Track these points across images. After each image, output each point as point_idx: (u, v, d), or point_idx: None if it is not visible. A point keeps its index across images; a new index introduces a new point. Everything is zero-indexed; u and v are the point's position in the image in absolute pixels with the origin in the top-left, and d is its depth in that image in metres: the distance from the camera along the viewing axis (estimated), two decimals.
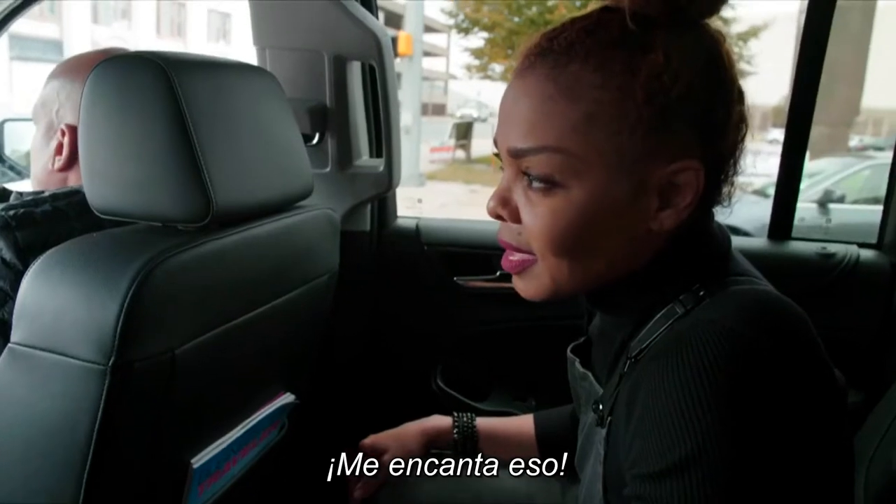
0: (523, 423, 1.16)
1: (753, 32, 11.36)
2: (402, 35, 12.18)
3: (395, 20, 19.20)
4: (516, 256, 0.70)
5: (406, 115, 12.02)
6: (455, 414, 1.16)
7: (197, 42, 25.37)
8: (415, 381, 1.62)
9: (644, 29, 0.62)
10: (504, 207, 0.69)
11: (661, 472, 0.55)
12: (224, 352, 1.04)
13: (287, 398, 1.29)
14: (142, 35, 23.31)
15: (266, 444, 1.28)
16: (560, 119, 0.63)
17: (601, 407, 0.72)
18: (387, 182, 1.49)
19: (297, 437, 1.37)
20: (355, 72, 1.51)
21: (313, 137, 1.49)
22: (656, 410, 0.57)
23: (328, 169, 1.50)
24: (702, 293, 0.64)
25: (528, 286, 0.71)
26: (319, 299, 1.32)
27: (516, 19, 15.78)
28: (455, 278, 1.61)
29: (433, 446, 1.15)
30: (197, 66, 0.99)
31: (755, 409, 0.54)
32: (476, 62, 17.36)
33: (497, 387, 1.63)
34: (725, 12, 0.67)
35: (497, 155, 0.70)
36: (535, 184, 0.65)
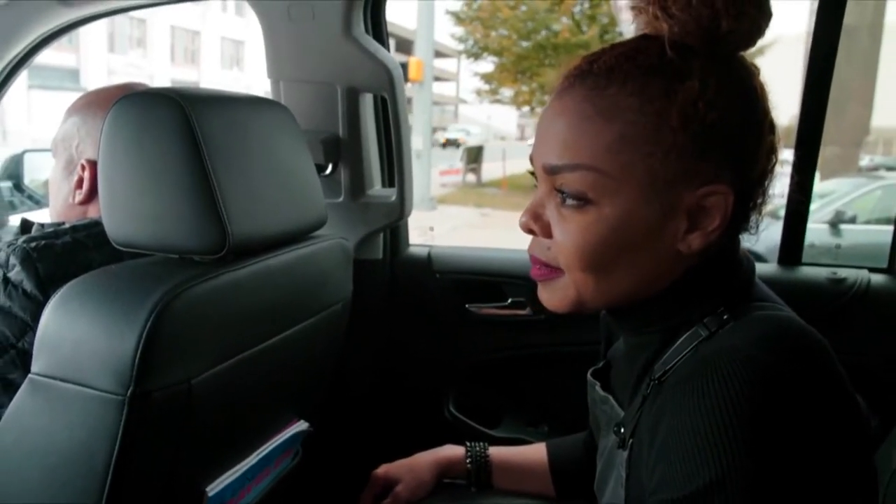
0: (536, 452, 1.16)
1: (759, 51, 11.41)
2: (412, 60, 12.28)
3: (405, 45, 19.40)
4: (544, 268, 0.71)
5: (416, 140, 12.10)
6: (468, 444, 1.16)
7: (211, 69, 25.68)
8: (428, 408, 1.63)
9: (682, 57, 0.64)
10: (536, 222, 0.70)
11: (683, 497, 0.56)
12: (239, 381, 1.05)
13: (301, 426, 1.30)
14: (156, 63, 23.62)
15: (280, 472, 1.29)
16: (596, 139, 0.64)
17: (622, 430, 0.73)
18: (399, 211, 1.51)
19: (311, 465, 1.37)
20: (367, 103, 1.53)
21: (326, 168, 1.51)
22: (680, 437, 0.58)
23: (341, 199, 1.53)
24: (726, 317, 0.65)
25: (552, 297, 0.72)
26: (333, 327, 1.33)
27: (525, 44, 15.90)
28: (467, 306, 1.62)
29: (446, 476, 1.15)
30: (213, 102, 1.02)
31: (778, 437, 0.55)
32: (485, 86, 17.48)
33: (510, 413, 1.63)
34: None
35: (532, 173, 0.72)
36: (569, 201, 0.66)
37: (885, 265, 1.52)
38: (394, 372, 1.67)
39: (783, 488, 0.54)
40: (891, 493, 0.98)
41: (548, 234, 0.70)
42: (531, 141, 0.73)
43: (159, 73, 22.95)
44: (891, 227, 1.54)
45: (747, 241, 0.74)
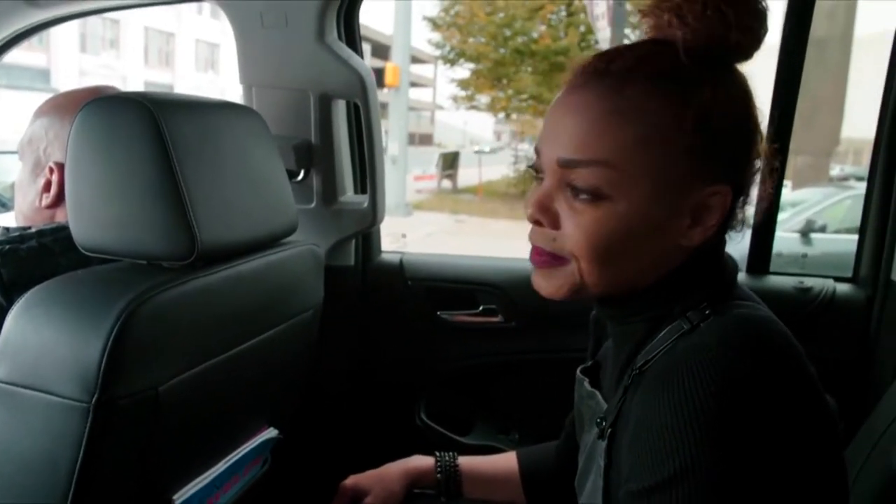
0: (507, 461, 1.16)
1: None
2: (388, 66, 12.29)
3: (382, 51, 19.39)
4: (546, 256, 0.73)
5: (393, 146, 12.10)
6: (437, 454, 1.15)
7: (185, 72, 25.46)
8: (399, 416, 1.63)
9: (695, 64, 0.67)
10: (544, 214, 0.71)
11: (649, 488, 0.59)
12: (208, 388, 1.05)
13: (270, 433, 1.29)
14: (130, 65, 23.37)
15: (249, 480, 1.27)
16: (615, 137, 0.67)
17: (604, 421, 0.75)
18: (371, 217, 1.51)
19: (281, 473, 1.36)
20: (340, 110, 1.53)
21: (298, 174, 1.51)
22: (648, 430, 0.61)
23: (313, 205, 1.52)
24: (707, 311, 0.68)
25: (550, 284, 0.74)
26: (304, 334, 1.33)
27: (502, 50, 15.97)
28: (439, 313, 1.63)
29: (416, 487, 1.14)
30: (183, 107, 1.01)
31: (742, 433, 0.58)
32: (462, 93, 17.51)
33: (481, 421, 1.64)
34: None
35: (531, 166, 0.74)
36: (582, 195, 0.68)
37: (849, 274, 1.55)
38: (365, 379, 1.67)
39: (746, 482, 0.57)
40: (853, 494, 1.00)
41: (555, 225, 0.71)
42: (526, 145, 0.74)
43: (132, 75, 22.71)
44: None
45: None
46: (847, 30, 8.24)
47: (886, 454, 1.04)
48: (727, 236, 0.76)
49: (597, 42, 13.40)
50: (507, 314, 1.61)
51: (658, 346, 0.69)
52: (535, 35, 15.70)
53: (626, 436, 0.67)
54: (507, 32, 15.74)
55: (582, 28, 14.71)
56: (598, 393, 0.83)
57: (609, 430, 0.73)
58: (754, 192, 0.76)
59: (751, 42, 0.69)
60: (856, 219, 1.50)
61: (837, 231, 5.64)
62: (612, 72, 0.69)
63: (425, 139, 38.31)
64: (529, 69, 15.86)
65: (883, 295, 1.45)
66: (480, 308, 1.62)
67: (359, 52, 1.53)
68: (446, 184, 16.65)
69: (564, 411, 1.37)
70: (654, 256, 0.71)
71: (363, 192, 1.57)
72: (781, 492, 0.58)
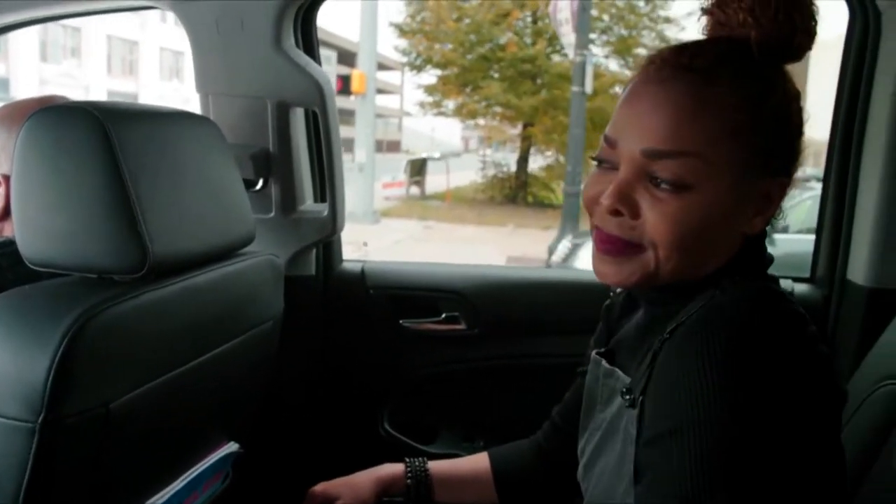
0: (478, 463, 1.15)
1: None
2: (355, 73, 12.27)
3: (348, 58, 19.34)
4: (621, 244, 0.75)
5: (360, 153, 12.07)
6: (407, 460, 1.15)
7: (150, 81, 25.14)
8: (363, 426, 1.61)
9: (768, 63, 0.73)
10: (624, 204, 0.73)
11: (664, 433, 0.63)
12: (163, 403, 1.02)
13: (231, 447, 1.27)
14: (92, 74, 23.04)
15: (210, 496, 1.25)
16: (703, 129, 0.70)
17: (631, 391, 0.77)
18: (331, 226, 1.49)
19: (243, 487, 1.34)
20: (298, 117, 1.51)
21: (257, 183, 1.49)
22: (667, 380, 0.66)
23: (272, 214, 1.50)
24: (736, 283, 0.73)
25: (621, 271, 0.75)
26: (264, 346, 1.31)
27: (469, 57, 16.02)
28: (401, 321, 1.62)
29: (386, 494, 1.13)
30: (134, 116, 0.99)
31: (754, 387, 0.62)
32: (429, 99, 17.53)
33: (445, 429, 1.63)
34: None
35: (595, 157, 0.77)
36: (664, 185, 0.71)
37: (808, 275, 1.57)
38: (328, 390, 1.65)
39: (756, 432, 0.61)
40: None
41: (636, 215, 0.73)
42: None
43: (95, 84, 22.38)
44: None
45: None
46: None
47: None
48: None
49: (562, 48, 13.55)
50: (469, 321, 1.60)
51: (687, 313, 0.72)
52: (501, 42, 15.77)
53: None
54: (474, 38, 15.79)
55: (549, 34, 14.80)
56: (617, 370, 0.85)
57: (640, 398, 0.74)
58: None
59: (808, 44, 0.74)
60: (815, 219, 1.53)
61: (800, 231, 5.73)
62: (696, 68, 0.72)
63: (393, 146, 38.29)
64: (496, 75, 15.93)
65: (839, 294, 1.47)
66: (443, 315, 1.61)
67: (317, 59, 1.52)
68: (415, 190, 16.64)
69: (529, 417, 1.37)
70: (722, 243, 0.75)
71: (323, 200, 1.55)
72: (785, 443, 0.62)
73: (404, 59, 17.47)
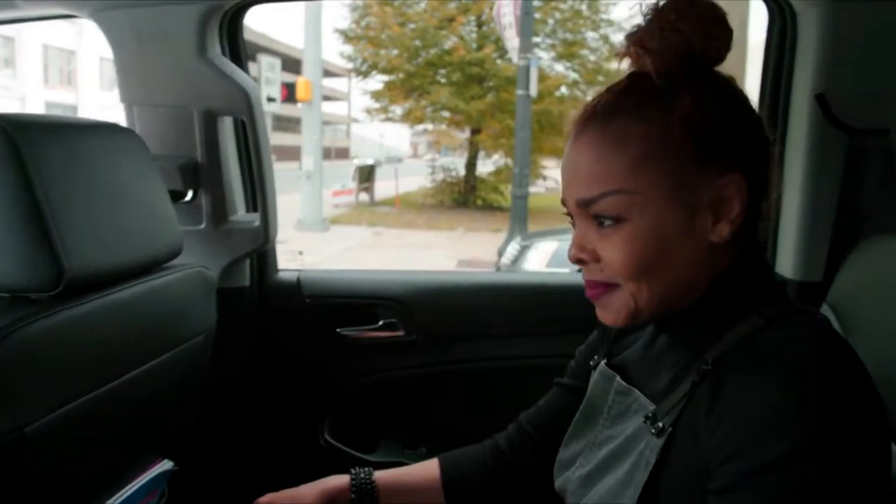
0: (426, 470, 1.12)
1: None
2: (300, 80, 12.17)
3: (293, 65, 19.20)
4: (598, 287, 0.78)
5: (307, 161, 11.97)
6: (352, 470, 1.12)
7: (89, 91, 24.56)
8: (303, 437, 1.59)
9: (670, 81, 0.74)
10: (583, 252, 0.78)
11: (762, 466, 0.63)
12: (86, 424, 0.99)
13: (165, 465, 1.24)
14: (28, 84, 22.41)
15: None
16: (616, 166, 0.73)
17: (658, 419, 0.77)
18: (263, 236, 1.47)
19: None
20: (227, 127, 1.49)
21: (186, 194, 1.46)
22: (751, 413, 0.65)
23: (203, 226, 1.47)
24: (779, 312, 0.73)
25: (609, 312, 0.79)
26: (196, 360, 1.29)
27: (415, 62, 16.03)
28: (339, 330, 1.60)
29: None
30: (47, 129, 0.97)
31: (846, 413, 0.63)
32: (376, 105, 17.48)
33: (387, 437, 1.61)
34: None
35: (567, 213, 0.81)
36: (606, 223, 0.75)
37: None
38: (266, 401, 1.62)
39: (849, 460, 0.62)
40: None
41: (596, 258, 0.77)
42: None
43: (31, 96, 21.79)
44: None
45: None
46: (741, 35, 8.62)
47: None
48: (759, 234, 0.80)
49: (506, 52, 13.66)
50: (407, 328, 1.59)
51: (730, 341, 0.72)
52: (447, 47, 15.82)
53: (704, 423, 0.70)
54: (419, 44, 15.81)
55: (494, 38, 14.90)
56: (636, 390, 0.85)
57: (670, 429, 0.74)
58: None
59: (716, 46, 0.75)
60: None
61: None
62: (599, 113, 0.76)
63: (342, 153, 38.12)
64: (444, 80, 15.97)
65: None
66: (381, 323, 1.60)
67: (244, 66, 1.50)
68: (364, 197, 16.57)
69: (471, 421, 1.36)
70: (691, 260, 0.75)
71: (254, 210, 1.53)
72: (865, 479, 0.64)
73: (350, 66, 17.42)
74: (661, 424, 0.76)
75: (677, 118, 0.73)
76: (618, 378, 0.89)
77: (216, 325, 1.39)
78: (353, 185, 16.31)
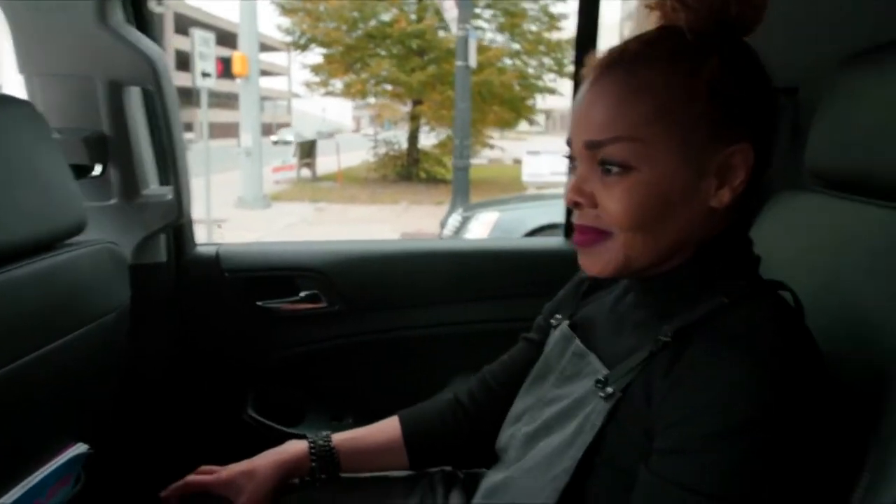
0: (387, 429, 1.10)
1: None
2: (236, 55, 11.86)
3: (228, 39, 18.73)
4: (590, 233, 0.78)
5: (246, 137, 11.74)
6: (309, 436, 1.08)
7: (4, 70, 23.59)
8: (226, 413, 1.56)
9: (701, 40, 0.73)
10: (581, 195, 0.77)
11: (714, 433, 0.64)
12: None
13: (78, 448, 1.21)
14: None
15: (60, 501, 1.18)
16: (632, 113, 0.73)
17: (607, 382, 0.78)
18: (177, 210, 1.43)
19: (100, 488, 1.27)
20: (134, 98, 1.44)
21: (93, 168, 1.41)
22: (710, 385, 0.66)
23: (114, 201, 1.42)
24: (746, 290, 0.74)
25: (596, 261, 0.78)
26: (109, 339, 1.25)
27: (354, 34, 15.80)
28: (259, 303, 1.57)
29: (291, 477, 1.06)
30: None
31: (804, 394, 0.65)
32: (316, 79, 17.20)
33: (313, 409, 1.60)
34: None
35: (569, 157, 0.81)
36: (613, 170, 0.74)
37: None
38: (187, 378, 1.59)
39: (800, 437, 0.64)
40: None
41: (593, 204, 0.76)
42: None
43: None
44: None
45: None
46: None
47: None
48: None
49: (445, 23, 13.55)
50: (330, 299, 1.58)
51: (693, 317, 0.73)
52: (386, 18, 15.62)
53: (657, 397, 0.71)
54: (357, 16, 15.58)
55: (434, 9, 14.76)
56: (592, 354, 0.85)
57: (619, 394, 0.76)
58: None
59: (752, 14, 0.75)
60: None
61: None
62: (625, 59, 0.75)
63: (283, 129, 37.51)
64: (384, 53, 15.78)
65: None
66: (302, 294, 1.58)
67: (151, 34, 1.44)
68: (306, 172, 16.35)
69: (397, 390, 1.36)
70: (688, 221, 0.75)
71: (167, 184, 1.48)
72: (826, 454, 0.66)
73: (288, 39, 17.05)
74: (610, 389, 0.77)
75: (704, 78, 0.72)
76: (577, 340, 0.89)
77: (130, 303, 1.35)
78: (293, 160, 16.06)
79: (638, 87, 0.73)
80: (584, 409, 0.80)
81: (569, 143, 0.80)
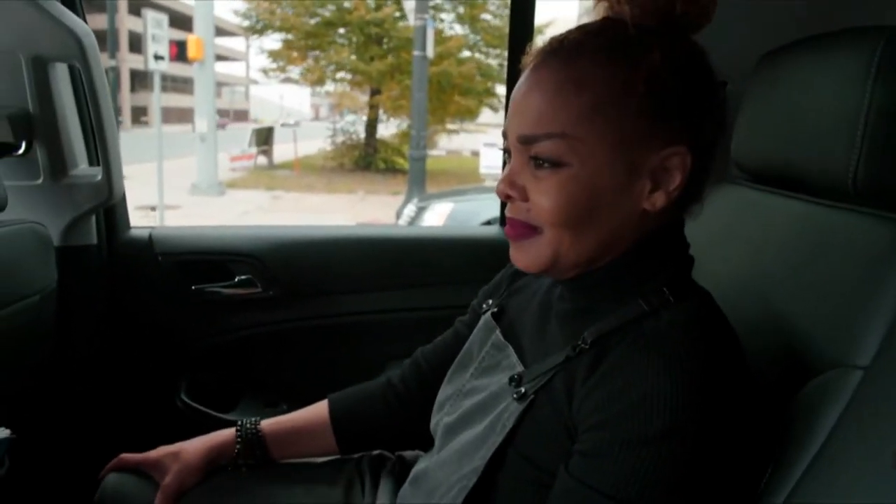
0: (315, 413, 1.10)
1: (539, 30, 11.97)
2: (191, 39, 11.67)
3: (183, 22, 18.39)
4: (520, 227, 0.76)
5: (200, 123, 11.56)
6: (238, 421, 1.08)
7: None
8: (158, 399, 1.54)
9: (643, 35, 0.71)
10: (513, 188, 0.75)
11: (634, 440, 0.64)
12: None
13: (1, 433, 1.18)
14: None
15: None
16: (568, 108, 0.70)
17: (522, 384, 0.77)
18: (107, 191, 1.39)
19: (26, 473, 1.25)
20: (62, 75, 1.40)
21: (19, 147, 1.37)
22: (630, 391, 0.65)
23: (40, 180, 1.39)
24: (670, 298, 0.72)
25: (526, 256, 0.76)
26: (33, 321, 1.22)
27: (313, 21, 15.64)
28: (193, 287, 1.55)
29: (217, 462, 1.06)
30: None
31: (723, 401, 0.65)
32: (274, 65, 16.99)
33: (247, 395, 1.59)
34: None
35: (504, 149, 0.79)
36: (544, 165, 0.72)
37: None
38: (118, 363, 1.56)
39: (721, 446, 0.65)
40: None
41: (524, 197, 0.74)
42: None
43: None
44: None
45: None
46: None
47: None
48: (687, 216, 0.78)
49: (403, 13, 13.49)
50: (264, 284, 1.56)
51: (618, 324, 0.72)
52: (347, 5, 15.47)
53: (582, 395, 0.70)
54: (315, 1, 15.41)
55: None
56: (510, 347, 0.84)
57: (532, 397, 0.75)
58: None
59: (698, 12, 0.73)
60: None
61: None
62: (564, 48, 0.73)
63: (241, 115, 37.05)
64: (343, 41, 15.65)
65: None
66: (236, 279, 1.56)
67: (77, 10, 1.40)
68: (262, 160, 16.17)
69: (330, 377, 1.35)
70: (619, 222, 0.73)
71: (97, 164, 1.45)
72: (742, 457, 0.67)
73: (245, 24, 16.80)
74: (523, 390, 0.76)
75: (642, 73, 0.69)
76: (497, 331, 0.89)
77: (58, 286, 1.32)
78: (252, 149, 15.87)
79: (575, 79, 0.71)
80: (498, 405, 0.79)
81: (504, 134, 0.79)
